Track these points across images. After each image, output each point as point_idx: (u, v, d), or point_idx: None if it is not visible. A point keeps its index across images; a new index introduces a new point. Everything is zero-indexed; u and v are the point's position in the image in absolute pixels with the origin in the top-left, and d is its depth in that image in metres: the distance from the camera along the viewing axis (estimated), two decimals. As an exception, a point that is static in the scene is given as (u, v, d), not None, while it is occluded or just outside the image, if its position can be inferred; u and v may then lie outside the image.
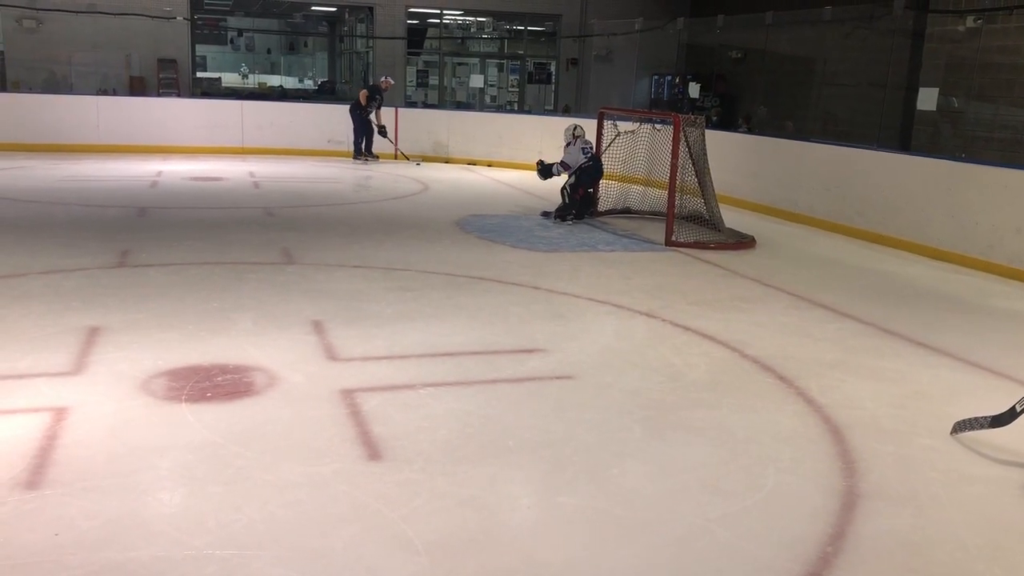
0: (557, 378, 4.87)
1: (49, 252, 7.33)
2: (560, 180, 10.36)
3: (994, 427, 4.14)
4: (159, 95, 16.75)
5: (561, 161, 10.15)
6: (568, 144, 10.19)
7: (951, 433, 4.26)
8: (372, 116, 15.33)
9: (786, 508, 3.48)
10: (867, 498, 3.58)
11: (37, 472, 3.44)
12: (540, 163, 10.59)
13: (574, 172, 10.06)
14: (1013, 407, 4.12)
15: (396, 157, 15.77)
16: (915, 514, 3.48)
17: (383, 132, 15.48)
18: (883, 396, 4.81)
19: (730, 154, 11.81)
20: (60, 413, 4.03)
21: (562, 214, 10.05)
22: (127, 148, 14.84)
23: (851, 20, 13.90)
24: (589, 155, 10.16)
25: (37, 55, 16.61)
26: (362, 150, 15.44)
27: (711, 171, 9.65)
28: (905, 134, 13.57)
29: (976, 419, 4.22)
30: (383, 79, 15.79)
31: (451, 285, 6.87)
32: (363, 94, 15.28)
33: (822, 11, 13.48)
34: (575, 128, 10.27)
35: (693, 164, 9.46)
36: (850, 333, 6.07)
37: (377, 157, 15.55)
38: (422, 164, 15.48)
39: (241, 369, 4.70)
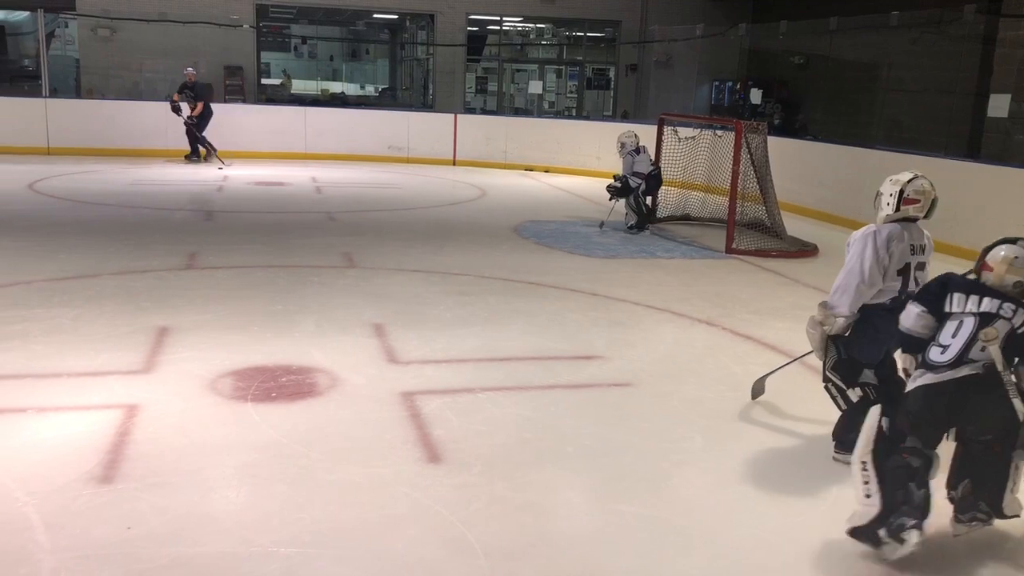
0: (616, 385, 4.87)
1: (121, 254, 7.55)
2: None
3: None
4: (225, 101, 17.11)
5: (634, 172, 9.81)
6: (636, 152, 9.82)
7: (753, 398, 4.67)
8: (186, 112, 14.35)
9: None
10: (933, 513, 3.50)
11: (110, 467, 3.56)
12: (612, 188, 9.93)
13: (645, 179, 9.89)
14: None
15: (206, 157, 14.59)
16: (986, 530, 3.39)
17: (191, 124, 14.35)
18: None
19: (792, 161, 11.65)
20: (132, 410, 4.15)
21: (641, 225, 9.81)
22: (194, 153, 15.19)
23: (919, 25, 13.61)
24: (653, 163, 10.06)
25: (110, 63, 17.14)
26: (198, 151, 14.59)
27: (773, 178, 9.54)
28: (974, 141, 13.23)
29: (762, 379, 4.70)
30: (185, 71, 14.73)
31: (509, 290, 6.90)
32: (175, 95, 14.51)
33: (889, 16, 13.23)
34: (636, 136, 10.08)
35: (755, 171, 9.36)
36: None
37: (198, 158, 14.58)
38: (230, 165, 14.17)
39: (304, 370, 4.80)
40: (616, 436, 4.16)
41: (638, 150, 9.87)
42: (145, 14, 16.71)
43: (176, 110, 14.19)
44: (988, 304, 3.22)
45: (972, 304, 3.27)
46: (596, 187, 12.34)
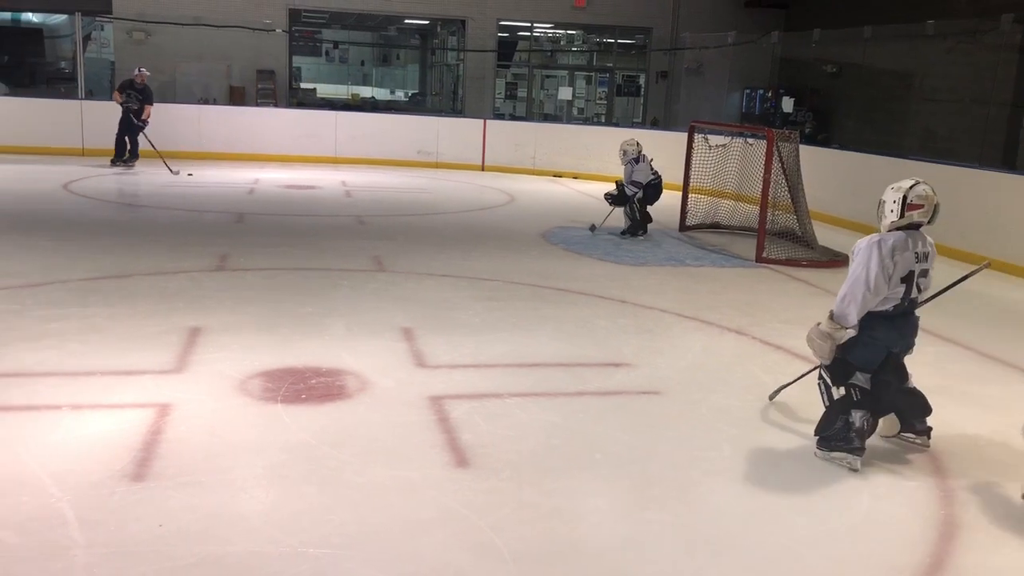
0: (644, 393, 4.85)
1: (154, 254, 7.64)
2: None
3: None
4: (257, 105, 17.29)
5: (632, 180, 9.78)
6: (637, 160, 9.76)
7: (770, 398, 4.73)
8: (134, 114, 13.57)
9: (881, 534, 3.39)
10: (968, 529, 3.47)
11: (142, 465, 3.60)
12: (609, 195, 9.97)
13: (642, 188, 9.89)
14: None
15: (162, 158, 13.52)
16: (1020, 549, 3.34)
17: (139, 125, 13.57)
18: (985, 424, 4.64)
19: (824, 170, 11.56)
20: (164, 409, 4.20)
21: (634, 231, 9.84)
22: (226, 156, 15.34)
23: (954, 35, 13.46)
24: (654, 171, 10.00)
25: (144, 66, 17.30)
26: (124, 154, 13.70)
27: (804, 187, 9.46)
28: (1010, 152, 13.06)
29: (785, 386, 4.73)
30: (136, 72, 13.92)
31: (537, 296, 6.90)
32: (116, 93, 13.81)
33: (924, 25, 13.09)
34: (638, 144, 10.03)
35: (786, 179, 9.30)
36: (949, 358, 5.87)
37: (134, 160, 13.74)
38: (192, 175, 13.19)
39: (334, 373, 4.82)
40: (644, 444, 4.14)
41: (638, 159, 9.83)
42: (180, 17, 16.92)
43: (129, 110, 13.49)
44: None
45: None
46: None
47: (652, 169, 9.87)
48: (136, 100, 13.60)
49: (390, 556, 3.04)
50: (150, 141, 13.55)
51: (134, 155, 13.78)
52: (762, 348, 5.80)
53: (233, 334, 5.42)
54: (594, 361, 5.38)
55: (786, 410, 4.65)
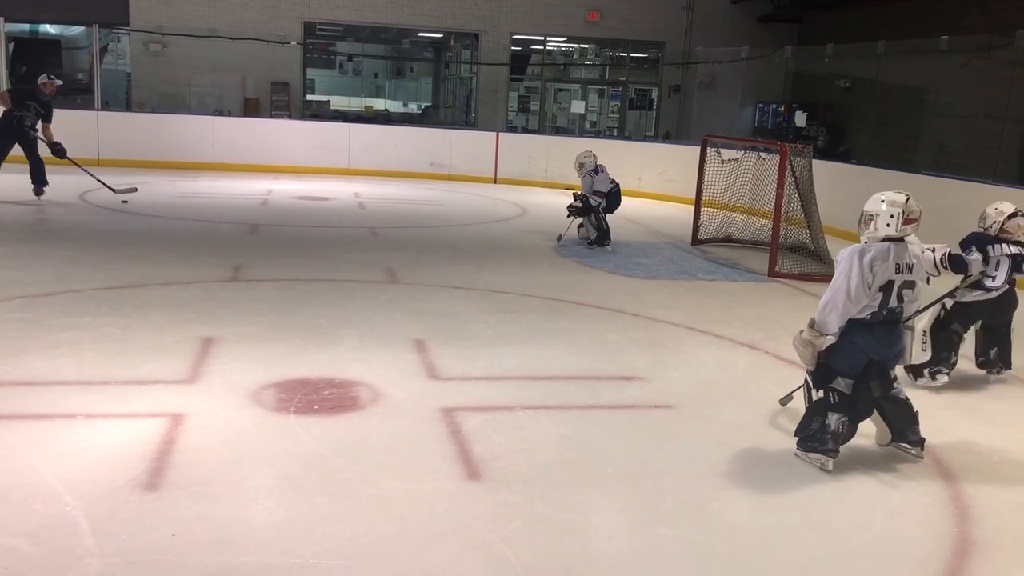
0: (656, 407, 4.84)
1: (168, 265, 7.67)
2: (566, 205, 10.25)
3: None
4: (271, 116, 17.39)
5: (594, 191, 9.90)
6: (595, 171, 9.95)
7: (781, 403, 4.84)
8: (40, 131, 10.81)
9: (894, 551, 3.37)
10: (982, 546, 3.44)
11: (156, 475, 3.61)
12: (573, 208, 9.95)
13: (605, 197, 9.96)
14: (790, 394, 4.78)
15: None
16: None
17: (59, 152, 10.72)
18: (999, 441, 4.61)
19: (837, 185, 11.52)
20: (177, 419, 4.21)
21: (601, 241, 9.92)
22: (240, 167, 15.41)
23: (968, 50, 13.43)
24: (612, 179, 10.08)
25: (160, 77, 17.50)
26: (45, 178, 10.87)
27: (817, 201, 9.44)
28: (1024, 168, 13.02)
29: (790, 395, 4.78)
30: (44, 79, 10.85)
31: (549, 309, 6.90)
32: (5, 94, 11.04)
33: (938, 40, 13.07)
34: (594, 156, 10.12)
35: (799, 194, 9.29)
36: (961, 373, 5.83)
37: (43, 189, 10.93)
38: (128, 201, 11.10)
39: (347, 384, 4.83)
40: (657, 458, 4.13)
41: (597, 170, 9.99)
42: (196, 30, 17.04)
43: (22, 122, 10.61)
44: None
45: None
46: (636, 207, 12.31)
47: (610, 178, 9.99)
48: (35, 114, 10.72)
49: (402, 568, 3.04)
50: (41, 166, 10.89)
51: (43, 180, 10.91)
52: (775, 363, 5.78)
53: (246, 345, 5.44)
54: (606, 374, 5.37)
55: (795, 425, 4.62)
